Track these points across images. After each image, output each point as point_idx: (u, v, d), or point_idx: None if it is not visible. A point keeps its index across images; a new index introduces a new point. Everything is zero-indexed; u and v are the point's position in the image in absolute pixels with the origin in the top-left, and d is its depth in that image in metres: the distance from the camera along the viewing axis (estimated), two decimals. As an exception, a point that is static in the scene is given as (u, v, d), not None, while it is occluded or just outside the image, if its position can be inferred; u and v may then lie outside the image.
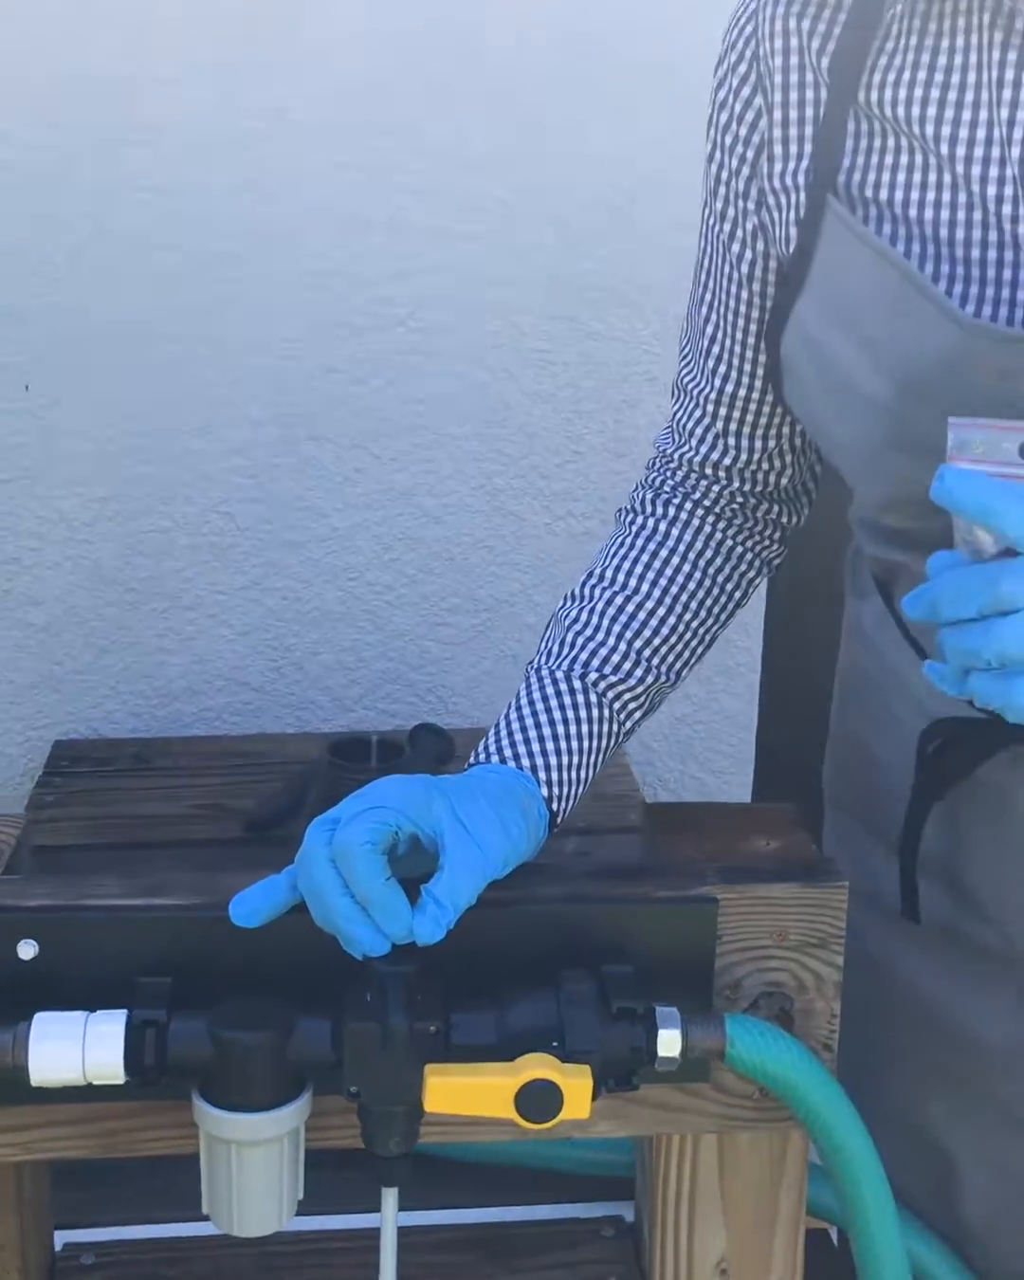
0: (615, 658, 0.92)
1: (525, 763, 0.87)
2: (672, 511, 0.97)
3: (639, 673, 0.93)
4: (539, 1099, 0.73)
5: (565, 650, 0.93)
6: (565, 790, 0.89)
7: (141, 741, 1.63)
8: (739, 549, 0.98)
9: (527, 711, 0.90)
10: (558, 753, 0.88)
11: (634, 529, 0.97)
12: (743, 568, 0.98)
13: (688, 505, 0.98)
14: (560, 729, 0.89)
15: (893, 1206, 0.83)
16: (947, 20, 0.80)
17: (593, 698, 0.91)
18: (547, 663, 0.93)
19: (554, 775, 0.88)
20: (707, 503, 0.98)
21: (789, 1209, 0.89)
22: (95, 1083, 0.75)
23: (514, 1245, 0.94)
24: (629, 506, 1.00)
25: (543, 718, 0.89)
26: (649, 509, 0.98)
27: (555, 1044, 0.75)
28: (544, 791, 0.87)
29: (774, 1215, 0.89)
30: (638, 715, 0.94)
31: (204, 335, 1.56)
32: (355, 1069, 0.75)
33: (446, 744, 1.50)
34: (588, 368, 1.62)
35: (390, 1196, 0.80)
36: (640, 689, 0.93)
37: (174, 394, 1.57)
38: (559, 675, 0.92)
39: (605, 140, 1.55)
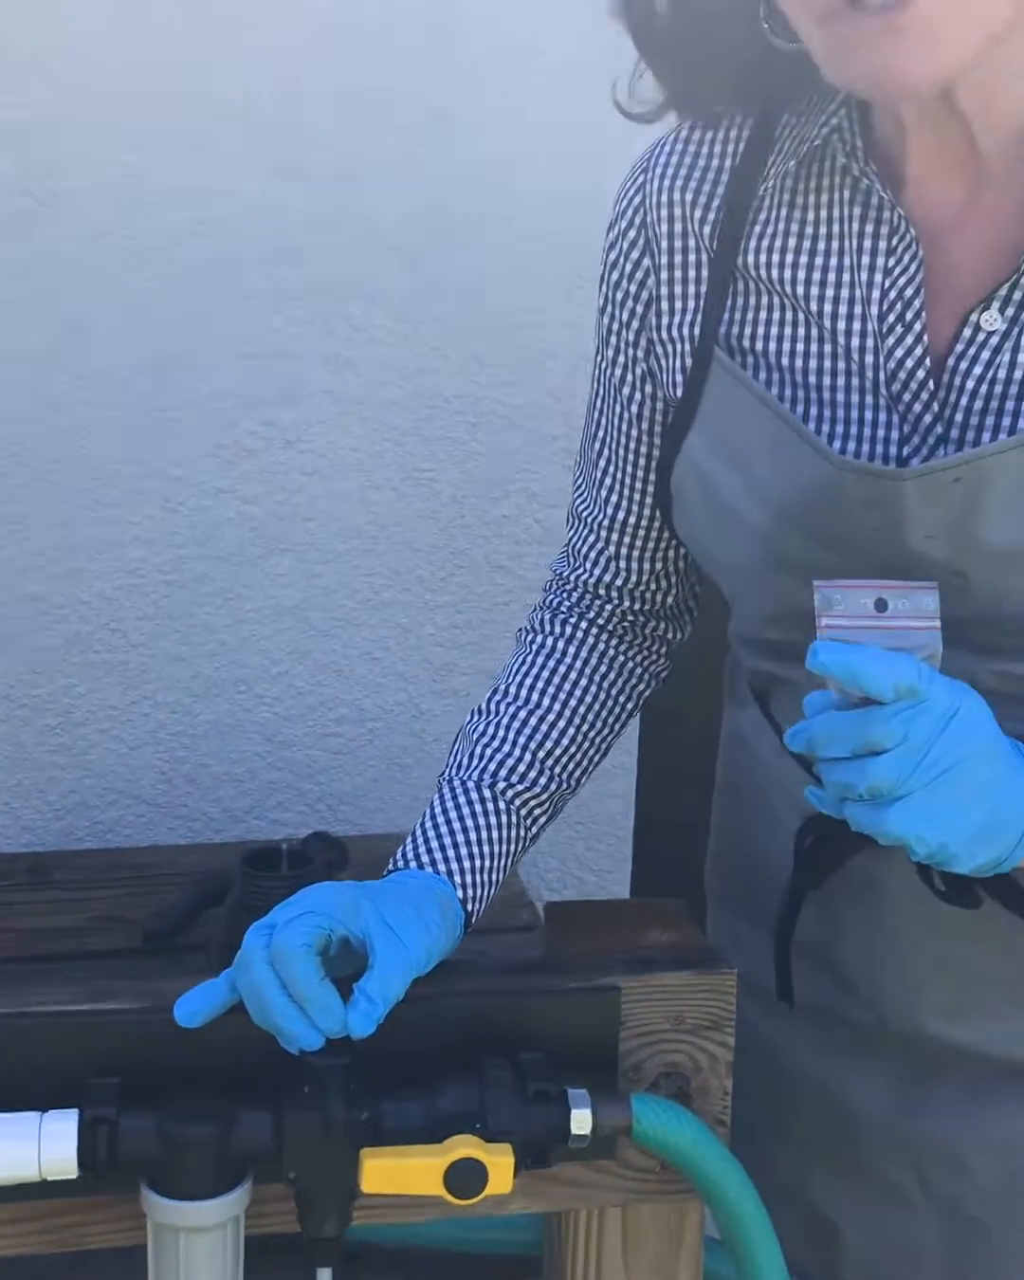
0: (521, 767, 1.03)
1: (442, 868, 0.98)
2: (568, 630, 1.09)
3: (543, 780, 1.04)
4: (466, 1176, 0.83)
5: (474, 761, 1.04)
6: (479, 892, 0.99)
7: (36, 855, 1.69)
8: (630, 664, 1.10)
9: (441, 821, 1.00)
10: (472, 857, 0.98)
11: (535, 648, 1.09)
12: (634, 681, 1.11)
13: (583, 624, 1.10)
14: (472, 835, 0.99)
15: (785, 1272, 0.93)
16: (813, 194, 0.94)
17: (501, 805, 1.02)
18: (457, 774, 1.04)
19: (468, 878, 0.98)
20: (600, 622, 1.10)
21: (687, 1278, 0.99)
22: (49, 1178, 0.82)
23: (435, 1324, 1.03)
24: (529, 627, 1.12)
25: (457, 826, 1.00)
26: (548, 629, 1.10)
27: (479, 1125, 0.85)
28: (459, 893, 0.97)
29: (676, 1283, 0.99)
30: (542, 820, 1.05)
31: (97, 458, 1.65)
32: (295, 1156, 0.84)
33: (340, 852, 1.59)
34: (469, 486, 1.75)
35: (325, 1276, 0.88)
36: (545, 796, 1.04)
37: (66, 514, 1.66)
38: (469, 785, 1.03)
39: (483, 273, 1.69)
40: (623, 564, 1.09)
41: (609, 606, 1.10)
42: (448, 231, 1.67)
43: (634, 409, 1.04)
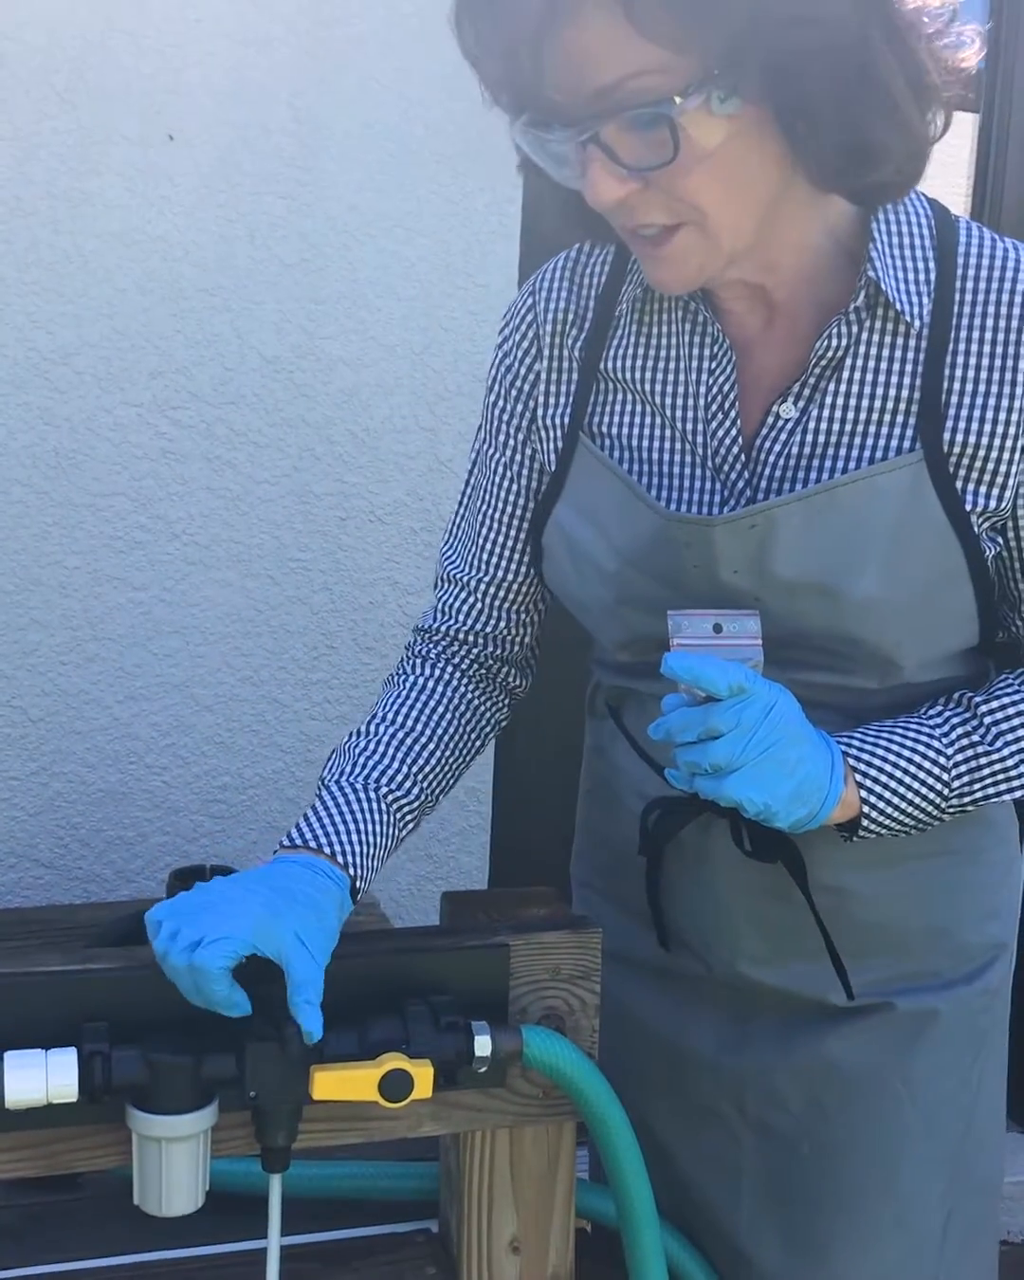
0: (397, 777, 1.26)
1: (339, 855, 1.18)
2: (436, 672, 1.33)
3: (415, 790, 1.26)
4: (396, 1083, 1.06)
5: (358, 770, 1.26)
6: (365, 873, 1.20)
7: (-61, 915, 1.86)
8: (483, 707, 1.35)
9: (333, 810, 1.21)
10: (361, 843, 1.19)
11: (407, 686, 1.32)
12: (483, 723, 1.35)
13: (448, 669, 1.34)
14: (360, 825, 1.20)
15: (644, 1169, 1.18)
16: (655, 314, 1.22)
17: (382, 806, 1.24)
18: (342, 778, 1.25)
19: (357, 860, 1.19)
20: (462, 668, 1.35)
21: (563, 1193, 1.22)
22: (55, 1101, 1.03)
23: (347, 1256, 1.24)
24: (400, 671, 1.35)
25: (346, 817, 1.21)
26: (419, 671, 1.34)
27: (404, 1046, 1.08)
28: (350, 872, 1.18)
29: (552, 1198, 1.22)
30: (410, 826, 1.27)
31: (1, 550, 1.87)
32: (255, 1077, 1.06)
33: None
34: (340, 574, 2.01)
35: (276, 1182, 1.10)
36: (414, 805, 1.27)
37: (-26, 601, 1.87)
38: (356, 785, 1.24)
39: (348, 385, 1.97)
40: (495, 612, 1.34)
41: (472, 651, 1.35)
42: (317, 348, 1.96)
43: (514, 482, 1.31)
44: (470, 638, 1.35)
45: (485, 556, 1.33)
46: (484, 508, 1.33)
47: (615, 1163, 1.17)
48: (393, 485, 2.01)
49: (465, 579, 1.34)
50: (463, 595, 1.35)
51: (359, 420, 1.98)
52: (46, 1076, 1.03)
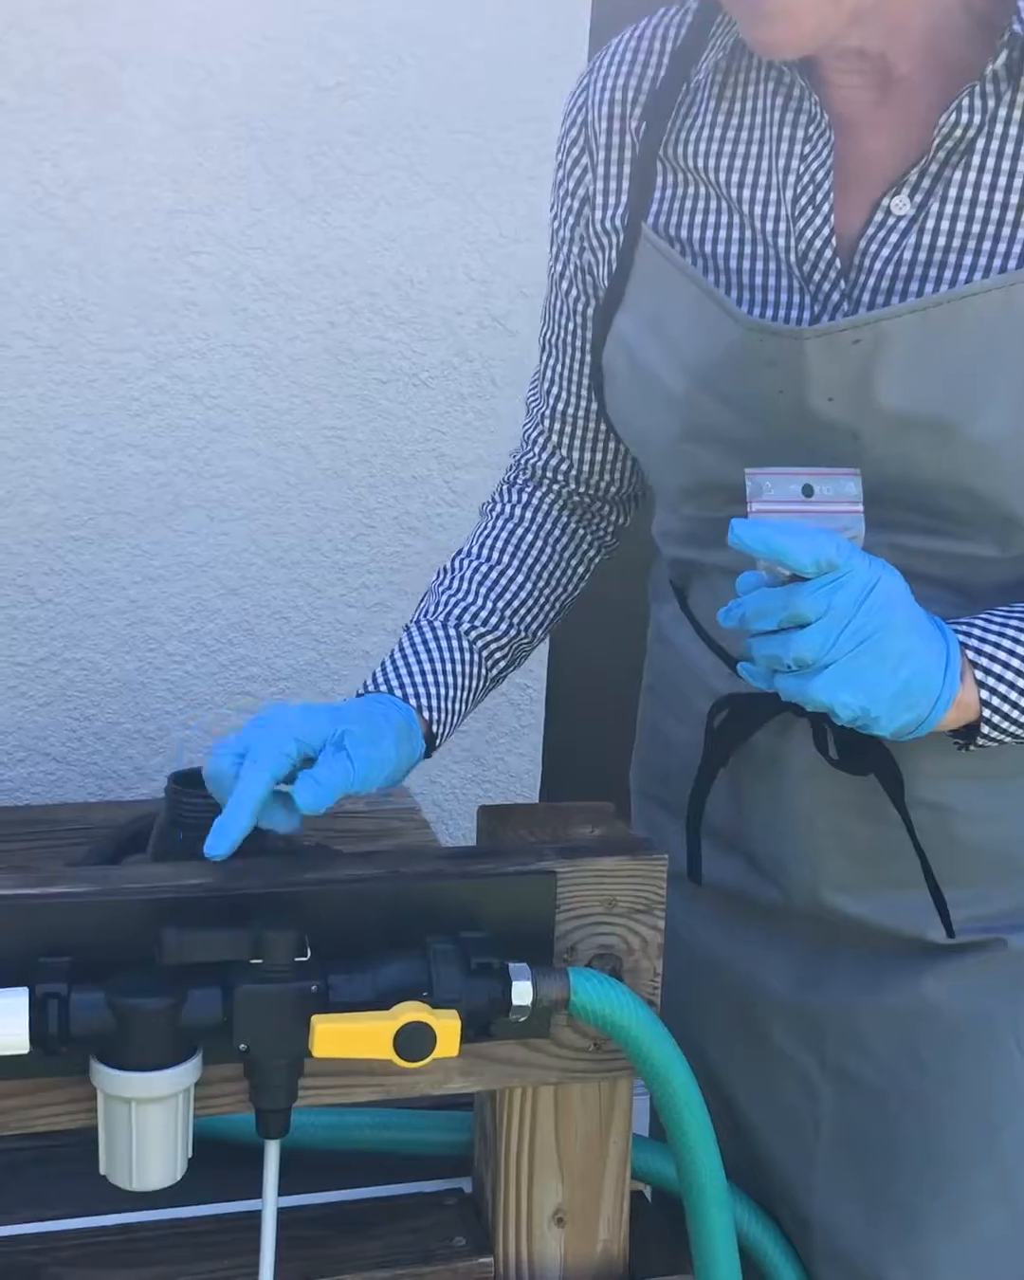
0: (483, 613, 1.13)
1: (412, 696, 1.07)
2: (524, 498, 1.20)
3: (503, 627, 1.14)
4: (415, 1039, 0.86)
5: (440, 609, 1.14)
6: (443, 717, 1.08)
7: (-59, 813, 1.69)
8: (581, 531, 1.21)
9: (409, 653, 1.10)
10: (437, 684, 1.08)
11: (495, 515, 1.20)
12: (584, 547, 1.21)
13: (537, 496, 1.20)
14: (437, 666, 1.09)
15: (713, 1136, 0.98)
16: (739, 87, 1.01)
17: (465, 645, 1.11)
18: (424, 618, 1.13)
19: (433, 703, 1.07)
20: (552, 497, 1.20)
21: (617, 1157, 1.03)
22: (1, 1054, 0.85)
23: (364, 1220, 1.05)
24: (490, 501, 1.22)
25: (422, 657, 1.09)
26: (507, 498, 1.20)
27: (426, 993, 0.88)
28: (425, 716, 1.06)
29: (603, 1164, 1.03)
30: (502, 663, 1.15)
31: (2, 411, 1.67)
32: (245, 1026, 0.87)
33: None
34: (380, 445, 1.79)
35: (273, 1149, 0.91)
36: (505, 640, 1.14)
37: (-26, 468, 1.67)
38: (436, 625, 1.12)
39: (391, 229, 1.74)
40: (565, 451, 1.18)
41: (558, 487, 1.20)
42: (355, 186, 1.72)
43: (571, 302, 1.12)
44: (552, 474, 1.20)
45: (548, 386, 1.17)
46: (548, 332, 1.16)
47: (679, 1128, 0.98)
48: (439, 344, 1.78)
49: (538, 410, 1.19)
50: (539, 428, 1.20)
51: (403, 269, 1.75)
52: (-10, 1023, 0.84)
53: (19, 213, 1.63)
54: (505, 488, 1.22)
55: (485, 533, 1.19)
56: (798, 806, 1.08)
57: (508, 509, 1.20)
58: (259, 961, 0.87)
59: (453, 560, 1.18)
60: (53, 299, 1.66)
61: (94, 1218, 1.03)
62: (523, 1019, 0.91)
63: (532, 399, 1.20)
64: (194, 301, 1.70)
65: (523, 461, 1.21)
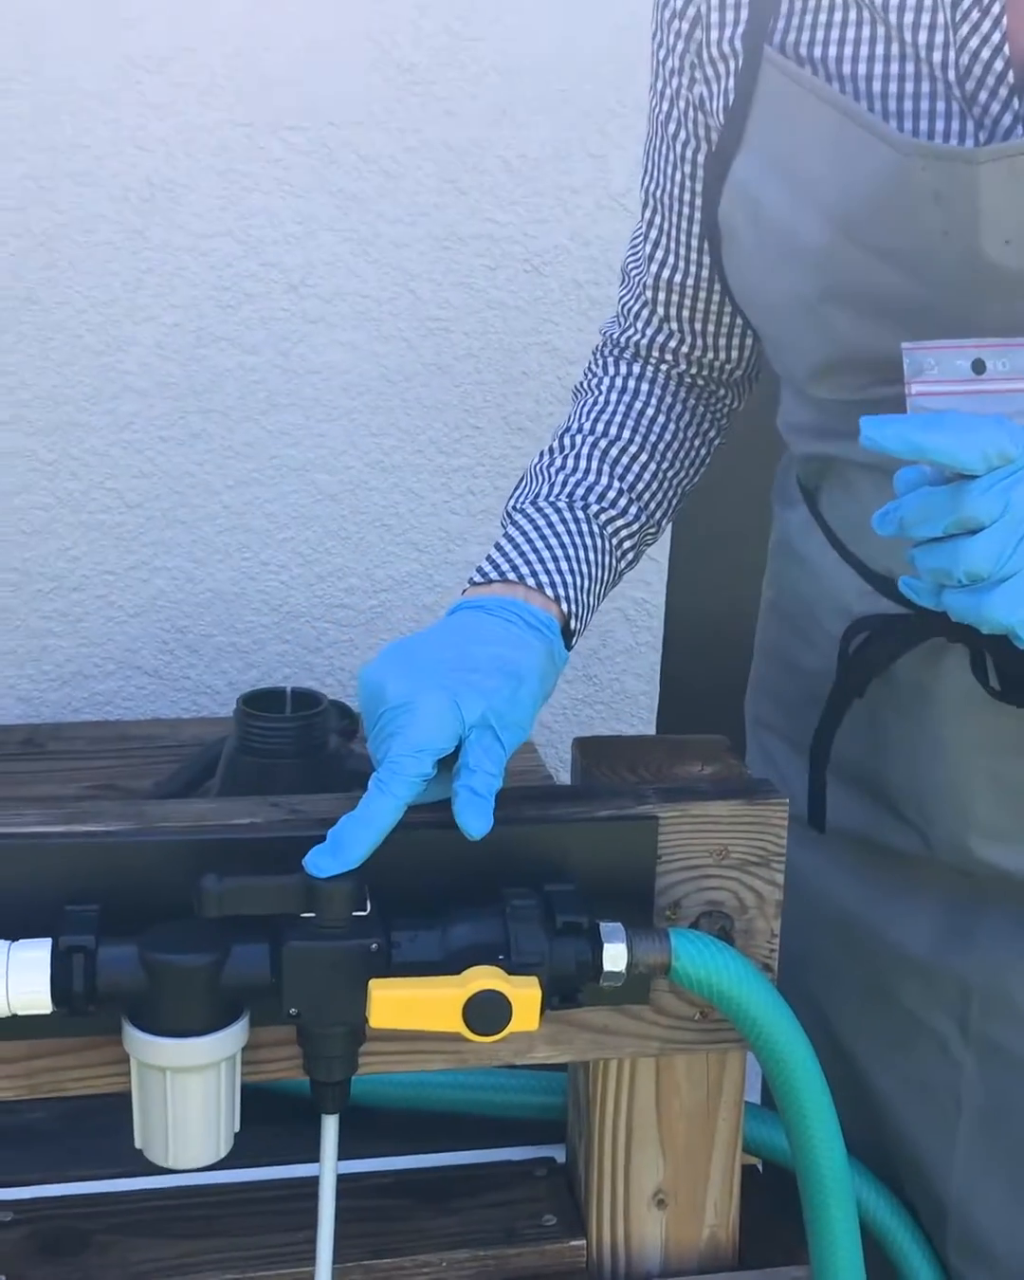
0: (610, 494, 0.96)
1: (543, 578, 0.89)
2: (638, 369, 1.03)
3: (632, 508, 0.97)
4: (487, 1010, 0.74)
5: (555, 488, 0.96)
6: (581, 612, 0.91)
7: (31, 727, 1.61)
8: (701, 408, 1.04)
9: (535, 536, 0.92)
10: (572, 572, 0.91)
11: (604, 388, 1.02)
12: (705, 426, 1.04)
13: (647, 367, 1.03)
14: (572, 551, 0.92)
15: (837, 1125, 0.85)
16: None
17: (595, 527, 0.95)
18: (540, 500, 0.96)
19: (571, 592, 0.90)
20: (662, 375, 1.03)
21: (726, 1135, 0.91)
22: (20, 1013, 0.74)
23: (447, 1189, 0.94)
24: (588, 379, 1.04)
25: (552, 540, 0.92)
26: (615, 370, 1.03)
27: (501, 957, 0.76)
28: (563, 608, 0.89)
29: (710, 1141, 0.90)
30: (630, 556, 0.98)
31: (85, 300, 1.55)
32: (295, 989, 0.75)
33: (352, 723, 1.50)
34: (487, 337, 1.65)
35: (331, 1125, 0.80)
36: (633, 525, 0.97)
37: (55, 363, 1.56)
38: (559, 506, 0.95)
39: (501, 100, 1.58)
40: (675, 325, 1.01)
41: (666, 367, 1.03)
42: (463, 51, 1.56)
43: (680, 148, 0.95)
44: (658, 352, 1.03)
45: (651, 249, 0.99)
46: (651, 185, 0.99)
47: (797, 1111, 0.84)
48: (553, 226, 1.62)
49: (640, 278, 1.02)
50: (643, 297, 1.02)
51: (513, 143, 1.59)
52: (5, 979, 0.74)
53: (102, 86, 1.50)
54: (608, 360, 1.05)
55: (596, 408, 1.01)
56: (947, 744, 0.93)
57: (619, 382, 1.02)
58: (311, 915, 0.75)
59: (560, 438, 1.01)
60: (138, 179, 1.53)
61: (149, 1179, 0.94)
62: (616, 986, 0.79)
63: (631, 264, 1.03)
64: (288, 182, 1.56)
65: (622, 338, 1.04)
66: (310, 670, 1.72)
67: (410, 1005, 0.74)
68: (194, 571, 1.66)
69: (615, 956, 0.78)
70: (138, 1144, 0.78)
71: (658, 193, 0.98)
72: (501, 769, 0.80)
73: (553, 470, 0.98)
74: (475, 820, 0.78)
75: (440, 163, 1.58)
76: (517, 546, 0.92)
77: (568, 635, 0.91)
